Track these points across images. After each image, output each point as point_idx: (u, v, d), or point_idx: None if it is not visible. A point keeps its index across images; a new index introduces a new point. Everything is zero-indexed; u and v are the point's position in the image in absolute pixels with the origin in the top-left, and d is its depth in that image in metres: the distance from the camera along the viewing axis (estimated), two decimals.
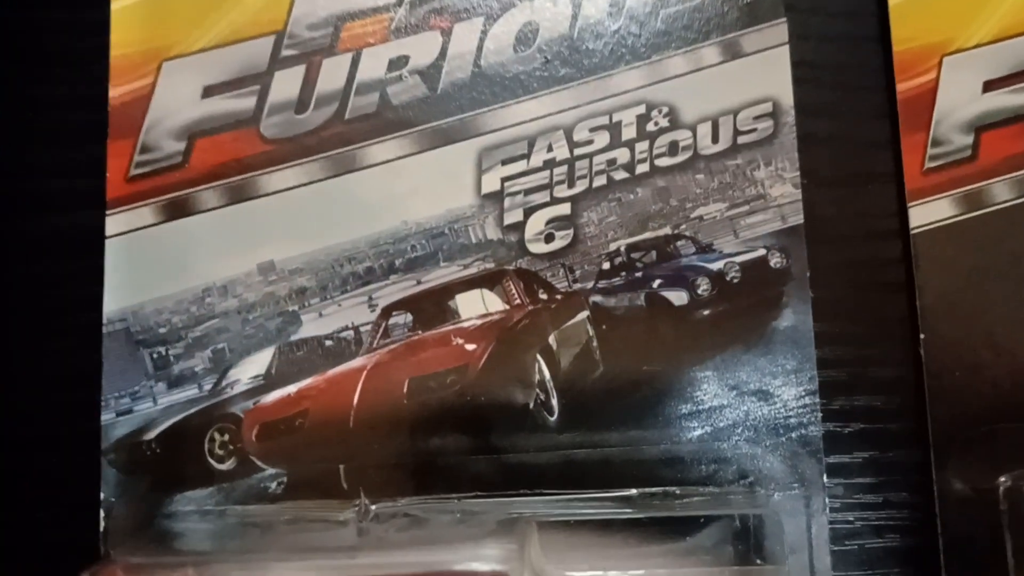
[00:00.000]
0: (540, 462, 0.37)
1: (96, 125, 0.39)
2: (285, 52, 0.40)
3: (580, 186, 0.39)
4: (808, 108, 0.40)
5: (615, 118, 0.40)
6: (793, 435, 0.37)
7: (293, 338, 0.38)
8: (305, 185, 0.39)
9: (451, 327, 0.38)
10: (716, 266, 0.39)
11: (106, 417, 0.38)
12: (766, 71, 0.40)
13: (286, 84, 0.40)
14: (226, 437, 0.38)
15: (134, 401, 0.38)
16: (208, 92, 0.40)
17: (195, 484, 0.37)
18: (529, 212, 0.39)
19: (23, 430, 0.38)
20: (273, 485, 0.37)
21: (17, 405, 0.38)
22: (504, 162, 0.39)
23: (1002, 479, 0.36)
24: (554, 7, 0.40)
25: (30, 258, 0.39)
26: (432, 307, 0.39)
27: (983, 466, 0.36)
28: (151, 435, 0.38)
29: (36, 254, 0.39)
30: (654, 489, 0.37)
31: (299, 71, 0.40)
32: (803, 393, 0.37)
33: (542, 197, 0.39)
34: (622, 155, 0.40)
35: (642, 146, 0.40)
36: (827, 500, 0.37)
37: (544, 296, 0.38)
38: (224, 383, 0.38)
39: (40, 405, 0.38)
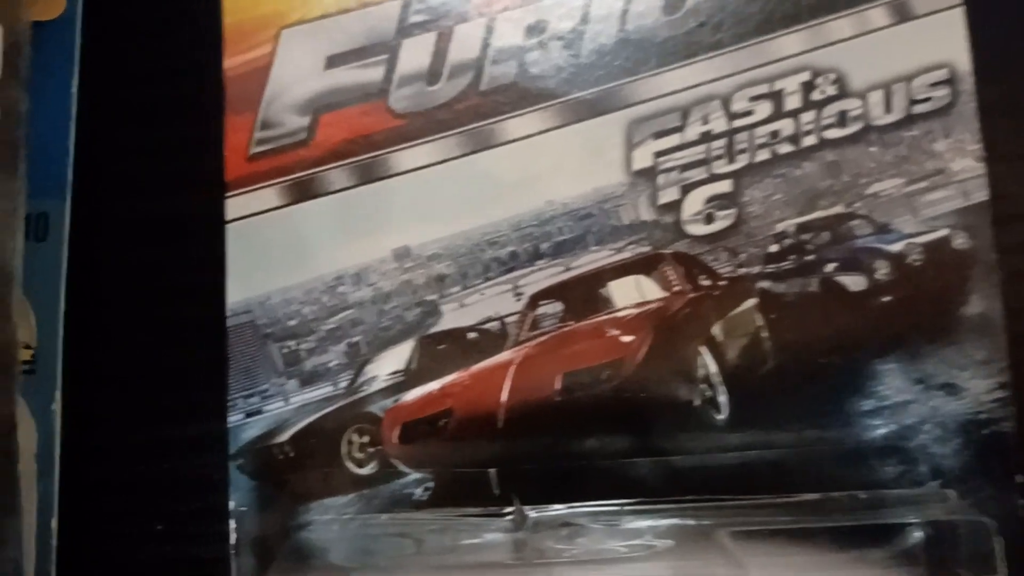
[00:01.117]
0: (708, 464, 0.34)
1: (211, 99, 0.36)
2: (413, 18, 0.37)
3: (741, 161, 0.36)
4: (988, 74, 0.37)
5: (777, 86, 0.36)
6: (984, 432, 0.34)
7: (433, 330, 0.35)
8: (440, 163, 0.36)
9: (605, 317, 0.35)
10: (895, 248, 0.35)
11: (234, 418, 0.35)
12: (940, 34, 0.36)
13: (416, 53, 0.37)
14: (365, 439, 0.35)
15: (264, 400, 0.35)
16: (332, 62, 0.37)
17: (333, 490, 0.35)
18: (686, 190, 0.36)
19: (143, 433, 0.35)
20: (418, 491, 0.34)
21: (136, 406, 0.35)
22: (656, 136, 0.36)
23: None
24: None
25: (144, 244, 0.36)
26: (583, 295, 0.36)
27: None
28: (284, 437, 0.35)
29: (151, 239, 0.36)
30: (837, 493, 0.34)
31: (429, 39, 0.37)
32: (994, 386, 0.34)
33: (700, 173, 0.36)
34: (786, 126, 0.36)
35: (808, 116, 0.36)
36: (1021, 501, 0.34)
37: (706, 282, 0.35)
38: (361, 380, 0.35)
39: (161, 405, 0.35)
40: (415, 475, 0.34)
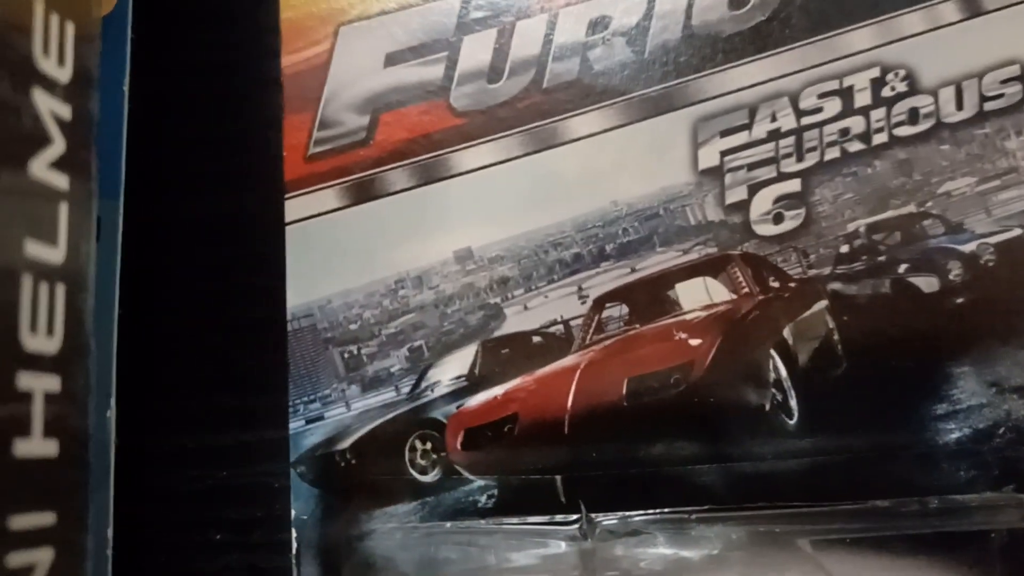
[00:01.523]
0: (779, 470, 0.34)
1: (269, 97, 0.35)
2: (474, 14, 0.36)
3: (810, 159, 0.35)
4: None
5: (846, 82, 0.36)
6: None
7: (497, 334, 0.35)
8: (502, 163, 0.35)
9: (672, 320, 0.35)
10: (968, 248, 0.35)
11: (295, 425, 0.34)
12: (1011, 29, 0.35)
13: (476, 50, 0.36)
14: (428, 445, 0.34)
15: (325, 406, 0.34)
16: (391, 60, 0.36)
17: (396, 498, 0.34)
18: (754, 189, 0.35)
19: (203, 438, 0.34)
20: (483, 498, 0.34)
21: (193, 412, 0.34)
22: (723, 134, 0.35)
23: None
24: None
25: (200, 246, 0.35)
26: (649, 298, 0.35)
27: None
28: (345, 444, 0.34)
29: (209, 241, 0.35)
30: (909, 499, 0.33)
31: (490, 35, 0.36)
32: None
33: (768, 172, 0.35)
34: (856, 124, 0.35)
35: (878, 114, 0.35)
36: None
37: (776, 284, 0.34)
38: (423, 385, 0.34)
39: (220, 411, 0.34)
40: (479, 482, 0.34)
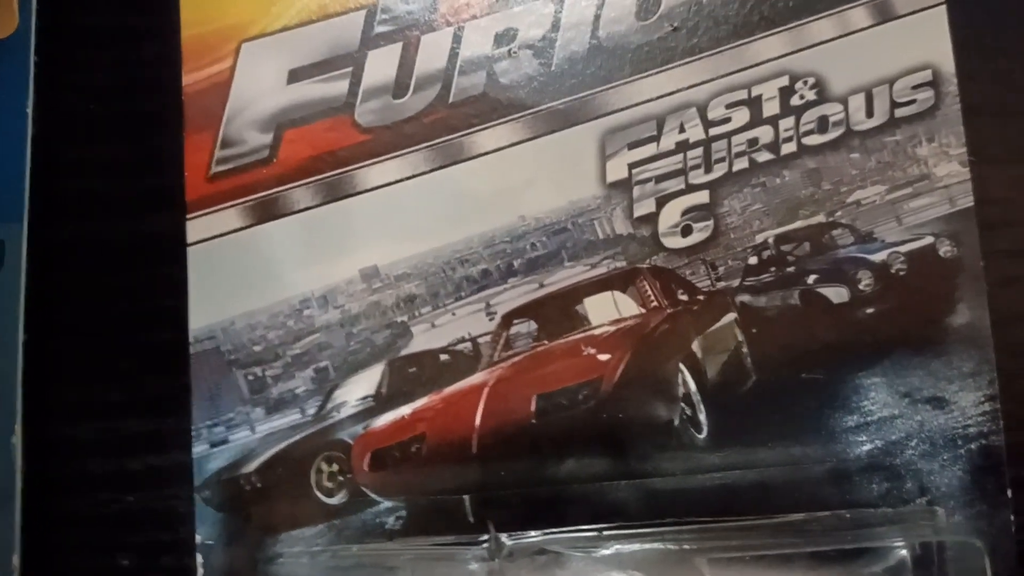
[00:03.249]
0: (689, 486, 0.33)
1: (170, 116, 0.35)
2: (378, 28, 0.36)
3: (719, 170, 0.35)
4: (972, 76, 0.36)
5: (754, 92, 0.35)
6: (973, 446, 0.33)
7: (404, 352, 0.34)
8: (408, 179, 0.35)
9: (581, 335, 0.34)
10: (879, 257, 0.34)
11: (199, 449, 0.34)
12: (922, 34, 0.35)
13: (381, 65, 0.36)
14: (335, 467, 0.34)
15: (229, 430, 0.34)
16: (295, 76, 0.36)
17: (302, 521, 0.34)
18: (662, 202, 0.35)
19: (105, 464, 0.34)
20: (391, 520, 0.33)
21: (99, 435, 0.34)
22: (631, 146, 0.35)
23: None
24: None
25: (103, 268, 0.35)
26: (558, 313, 0.35)
27: None
28: (251, 467, 0.34)
29: (110, 263, 0.35)
30: (821, 513, 0.33)
31: (395, 50, 0.36)
32: (983, 399, 0.33)
33: (676, 184, 0.35)
34: (765, 134, 0.35)
35: (787, 123, 0.35)
36: (1012, 518, 0.33)
37: (684, 297, 0.34)
38: (329, 406, 0.34)
39: (125, 435, 0.34)
40: (387, 504, 0.34)
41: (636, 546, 0.33)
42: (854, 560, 0.32)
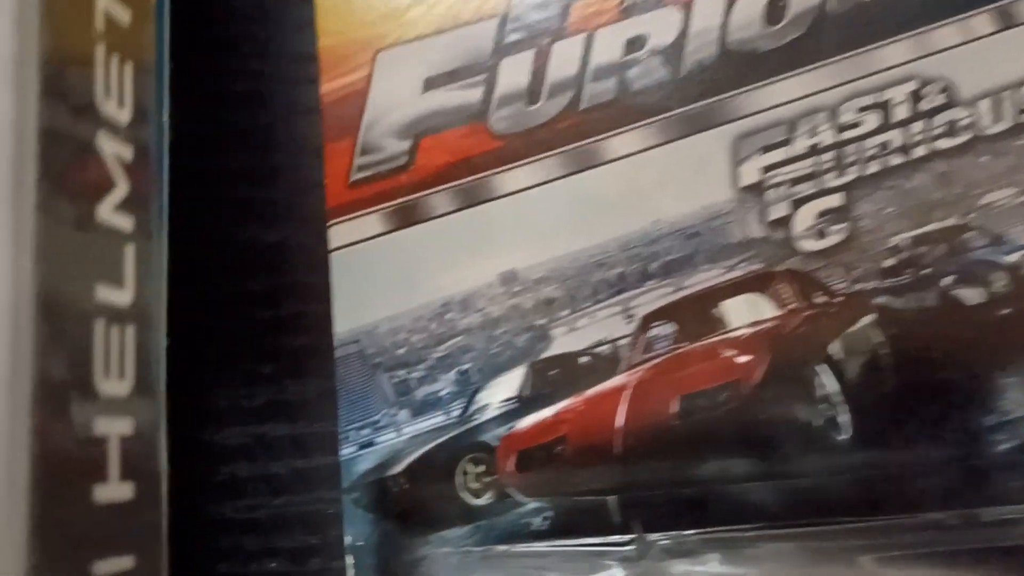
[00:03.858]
0: (831, 486, 0.34)
1: (310, 125, 0.35)
2: (510, 37, 0.37)
3: (851, 174, 0.36)
4: None
5: (884, 96, 0.36)
6: None
7: (544, 355, 0.35)
8: (543, 184, 0.36)
9: (720, 337, 0.35)
10: (1011, 259, 0.35)
11: (346, 451, 0.34)
12: None
13: (514, 72, 0.36)
14: (480, 468, 0.34)
15: (376, 432, 0.35)
16: (430, 84, 0.36)
17: (449, 522, 0.34)
18: (796, 205, 0.36)
19: (255, 467, 0.35)
20: (537, 520, 0.34)
21: (246, 440, 0.35)
22: (763, 150, 0.36)
23: None
24: None
25: (249, 275, 0.35)
26: (696, 315, 0.35)
27: None
28: (398, 469, 0.34)
29: (256, 270, 0.36)
30: (962, 512, 0.33)
31: (527, 57, 0.36)
32: None
33: (809, 188, 0.36)
34: (895, 138, 0.36)
35: (917, 127, 0.36)
36: None
37: (822, 299, 0.35)
38: (473, 408, 0.35)
39: (272, 439, 0.35)
40: (533, 504, 0.34)
41: (782, 545, 0.33)
42: (1000, 559, 0.33)
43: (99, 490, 0.23)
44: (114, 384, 0.24)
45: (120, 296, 0.25)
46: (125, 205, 0.25)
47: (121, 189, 0.25)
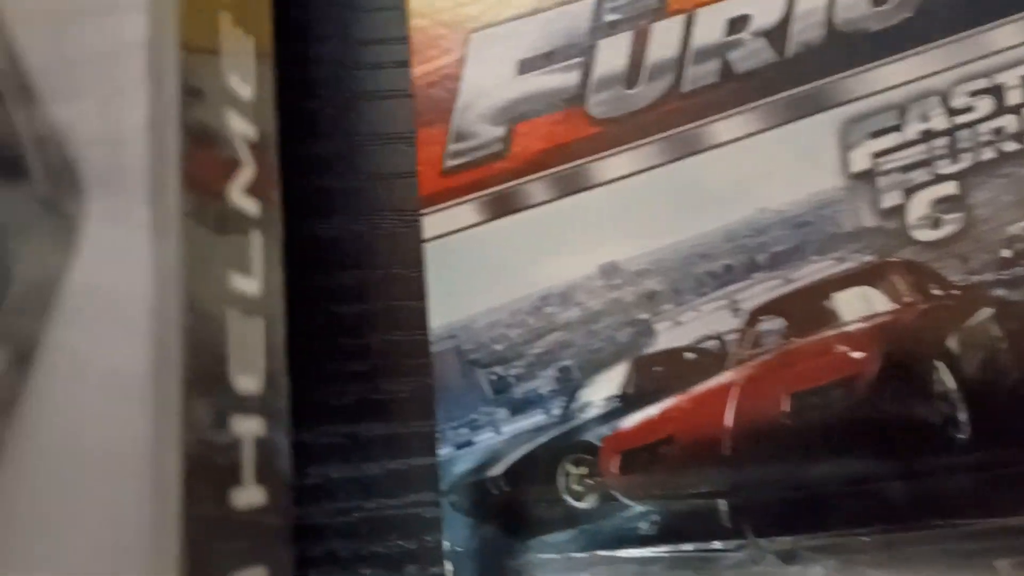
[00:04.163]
0: (951, 487, 0.32)
1: (401, 110, 0.34)
2: (608, 17, 0.35)
3: (965, 161, 0.34)
4: None
5: (997, 80, 0.34)
6: None
7: (648, 351, 0.33)
8: (643, 172, 0.34)
9: (832, 332, 0.33)
10: None
11: (444, 451, 0.33)
12: None
13: (612, 54, 0.35)
14: (583, 470, 0.33)
15: (474, 431, 0.33)
16: (525, 67, 0.35)
17: (552, 526, 0.33)
18: (910, 193, 0.34)
19: (348, 468, 0.33)
20: (644, 524, 0.32)
21: (339, 440, 0.33)
22: (873, 135, 0.34)
23: None
24: None
25: (339, 267, 0.34)
26: (807, 309, 0.34)
27: None
28: (498, 471, 0.33)
29: (346, 262, 0.34)
30: None
31: (626, 38, 0.35)
32: None
33: (923, 175, 0.34)
34: (1010, 123, 0.34)
35: None
36: None
37: (938, 292, 0.33)
38: (574, 406, 0.33)
39: (365, 439, 0.33)
40: (639, 508, 0.33)
41: (904, 548, 0.32)
42: None
43: (236, 494, 0.21)
44: (247, 380, 0.23)
45: (250, 285, 0.23)
46: (252, 189, 0.23)
47: (248, 170, 0.23)
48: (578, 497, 0.33)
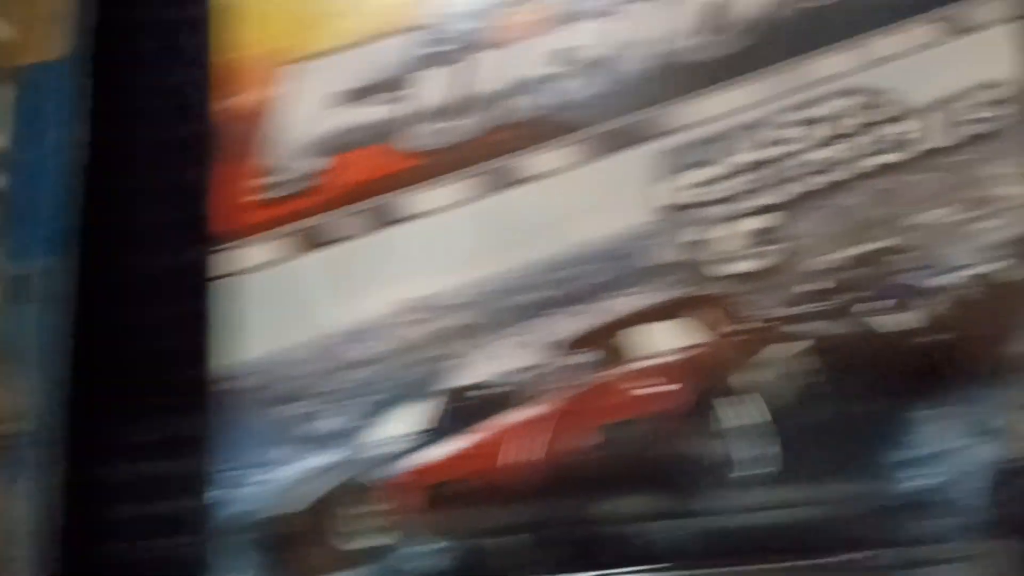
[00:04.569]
0: (755, 523, 0.35)
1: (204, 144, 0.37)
2: (425, 50, 0.38)
3: (785, 192, 0.37)
4: None
5: (818, 111, 0.38)
6: None
7: (454, 385, 0.36)
8: (457, 205, 0.37)
9: (643, 365, 0.36)
10: (947, 281, 0.37)
11: (227, 491, 0.36)
12: (993, 51, 0.38)
13: (429, 88, 0.38)
14: (384, 506, 0.36)
15: (267, 471, 0.36)
16: (340, 100, 0.38)
17: (351, 564, 0.35)
18: (725, 225, 0.37)
19: (131, 508, 0.36)
20: (446, 560, 0.35)
21: (125, 479, 0.36)
22: (690, 167, 0.37)
23: None
24: None
25: (129, 304, 0.37)
26: (619, 342, 0.37)
27: None
28: (294, 509, 0.36)
29: (136, 299, 0.37)
30: (889, 551, 0.35)
31: (446, 71, 0.38)
32: None
33: (741, 207, 0.37)
34: (830, 154, 0.37)
35: (854, 143, 0.37)
36: None
37: (748, 325, 0.36)
38: (378, 440, 0.36)
39: (144, 478, 0.36)
40: (441, 543, 0.35)
41: None
42: None
43: None
44: None
45: None
46: None
47: None
48: (379, 533, 0.36)
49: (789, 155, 0.36)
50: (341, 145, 0.36)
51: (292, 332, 0.34)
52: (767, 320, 0.35)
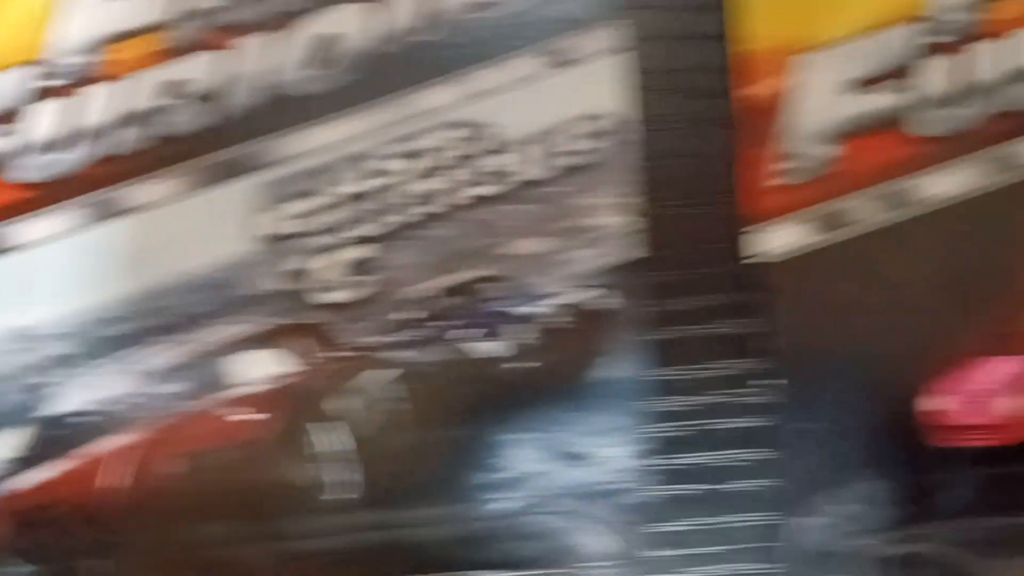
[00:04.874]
0: (334, 547, 0.39)
1: None
2: (36, 83, 0.42)
3: (384, 224, 0.40)
4: (643, 126, 0.42)
5: (420, 143, 0.41)
6: (618, 501, 0.39)
7: (51, 413, 0.40)
8: (58, 237, 0.41)
9: (230, 394, 0.40)
10: (530, 310, 0.41)
11: None
12: (596, 83, 0.41)
13: (38, 120, 0.42)
14: None
15: None
16: None
17: None
18: (321, 256, 0.41)
19: None
20: None
21: None
22: (290, 199, 0.41)
23: None
24: (347, 17, 0.42)
25: None
26: (207, 372, 0.40)
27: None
28: None
29: None
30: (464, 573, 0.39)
31: (52, 105, 0.42)
32: (627, 454, 0.39)
33: (340, 238, 0.40)
34: (428, 186, 0.40)
35: (451, 175, 0.41)
36: None
37: (340, 354, 0.40)
38: None
39: None
40: (29, 568, 0.39)
41: None
42: None
43: None
44: None
45: None
46: None
47: None
48: None
49: (390, 187, 0.39)
50: None
51: None
52: (361, 348, 0.39)
